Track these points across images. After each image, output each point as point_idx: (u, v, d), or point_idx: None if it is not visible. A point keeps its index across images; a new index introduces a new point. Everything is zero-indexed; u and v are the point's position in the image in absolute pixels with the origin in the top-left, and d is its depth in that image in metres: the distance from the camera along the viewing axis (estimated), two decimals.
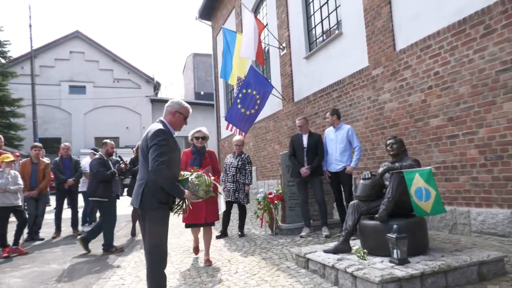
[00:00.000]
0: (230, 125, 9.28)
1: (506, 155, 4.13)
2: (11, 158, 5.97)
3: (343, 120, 7.06)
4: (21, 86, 21.88)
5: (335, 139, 5.41)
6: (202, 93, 31.97)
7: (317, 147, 5.47)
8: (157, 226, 2.74)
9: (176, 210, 2.92)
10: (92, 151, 7.90)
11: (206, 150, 4.63)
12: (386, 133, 6.00)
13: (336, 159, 5.33)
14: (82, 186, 7.63)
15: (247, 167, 5.91)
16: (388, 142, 3.97)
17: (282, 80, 9.90)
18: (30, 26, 21.47)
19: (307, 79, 8.66)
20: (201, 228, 4.57)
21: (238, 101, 8.60)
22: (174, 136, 3.02)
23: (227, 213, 5.90)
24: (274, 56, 10.43)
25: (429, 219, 5.06)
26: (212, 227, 4.76)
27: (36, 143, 7.25)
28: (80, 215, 7.61)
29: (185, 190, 2.86)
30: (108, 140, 6.25)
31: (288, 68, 9.52)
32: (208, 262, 4.35)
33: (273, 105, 10.05)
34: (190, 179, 3.00)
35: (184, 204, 2.89)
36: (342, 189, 5.38)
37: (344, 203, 5.35)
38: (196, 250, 4.81)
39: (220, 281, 3.66)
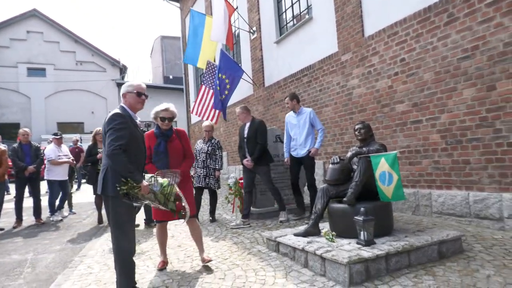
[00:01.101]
0: (199, 111, 9.17)
1: (465, 140, 4.35)
2: None
3: (314, 106, 7.15)
4: None
5: (297, 124, 5.42)
6: (171, 77, 31.21)
7: (257, 136, 5.28)
8: (120, 212, 2.70)
9: (131, 197, 2.68)
10: (54, 136, 7.54)
11: (173, 130, 3.71)
12: (355, 118, 6.13)
13: (300, 144, 5.35)
14: (48, 174, 7.27)
15: (217, 152, 5.87)
16: (356, 127, 4.05)
17: (252, 65, 9.83)
18: None
19: (277, 64, 8.64)
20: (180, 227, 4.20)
21: (218, 88, 8.47)
22: (137, 120, 2.97)
23: (197, 199, 5.85)
24: (245, 40, 10.30)
25: (395, 202, 5.26)
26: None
27: None
28: (45, 203, 7.31)
29: (143, 180, 2.73)
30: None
31: (258, 53, 9.44)
32: (205, 261, 3.59)
33: (243, 90, 9.98)
34: (151, 184, 2.81)
35: (137, 191, 2.68)
36: (306, 173, 5.38)
37: (305, 188, 5.45)
38: (162, 264, 3.69)
39: (191, 267, 3.66)
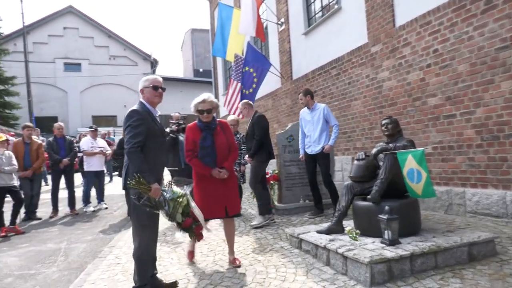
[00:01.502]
0: (228, 105, 9.26)
1: (503, 136, 4.13)
2: (3, 137, 5.99)
3: (342, 99, 7.04)
4: (14, 64, 21.71)
5: (311, 121, 5.35)
6: (201, 70, 31.70)
7: (254, 131, 5.15)
8: (139, 207, 2.77)
9: (141, 196, 2.68)
10: (89, 129, 7.95)
11: (217, 122, 3.48)
12: (385, 112, 5.98)
13: (314, 141, 5.28)
14: (85, 165, 7.66)
15: (242, 147, 5.92)
16: (383, 122, 3.96)
17: (280, 57, 9.79)
18: (22, 0, 21.02)
19: (305, 56, 8.55)
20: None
21: (242, 81, 8.53)
22: (157, 114, 3.01)
23: None
24: (273, 32, 10.26)
25: (425, 199, 5.12)
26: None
27: (28, 123, 7.25)
28: (80, 194, 7.73)
29: (156, 183, 2.70)
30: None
31: (286, 45, 9.38)
32: (235, 262, 3.52)
33: (271, 83, 9.97)
34: (164, 189, 2.78)
35: (146, 191, 2.66)
36: (321, 170, 5.30)
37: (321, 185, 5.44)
38: (191, 255, 3.76)
39: (214, 261, 3.75)
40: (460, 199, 4.68)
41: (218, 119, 3.54)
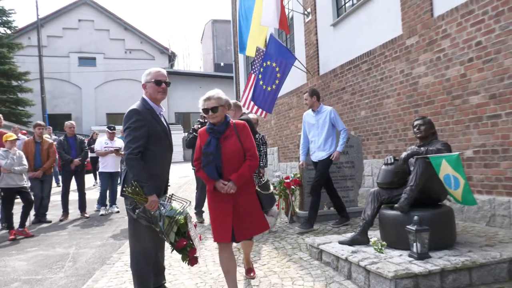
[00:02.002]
0: (248, 103, 9.32)
1: None
2: (14, 136, 6.31)
3: (373, 97, 6.98)
4: (28, 59, 22.69)
5: (316, 124, 5.30)
6: (222, 64, 32.01)
7: None
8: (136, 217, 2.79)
9: (136, 206, 2.70)
10: (107, 129, 8.17)
11: (229, 125, 2.98)
12: (420, 111, 5.89)
13: (319, 146, 5.24)
14: (102, 166, 7.94)
15: (261, 148, 5.97)
16: (415, 123, 3.92)
17: (306, 51, 9.79)
18: None
19: (334, 49, 8.52)
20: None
21: (260, 76, 8.58)
22: (162, 111, 2.99)
23: None
24: (298, 24, 10.27)
25: (464, 209, 5.01)
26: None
27: (39, 122, 7.60)
28: (98, 196, 8.06)
29: (154, 194, 2.69)
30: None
31: (313, 37, 9.37)
32: (249, 273, 3.52)
33: (296, 78, 9.99)
34: (163, 203, 2.78)
35: (142, 201, 2.67)
36: (315, 175, 5.31)
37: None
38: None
39: None
40: (504, 210, 4.55)
41: (234, 121, 3.08)
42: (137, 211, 2.71)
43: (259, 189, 3.24)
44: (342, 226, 5.27)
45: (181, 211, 2.87)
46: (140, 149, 2.71)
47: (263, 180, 6.03)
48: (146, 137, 2.75)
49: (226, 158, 2.88)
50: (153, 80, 2.87)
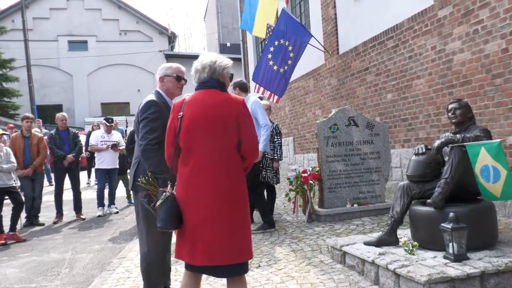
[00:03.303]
0: (258, 87, 9.31)
1: None
2: (1, 131, 6.42)
3: (402, 78, 6.92)
4: (12, 44, 22.96)
5: None
6: (228, 44, 31.89)
7: None
8: (149, 211, 2.90)
9: (151, 199, 2.75)
10: (105, 122, 8.24)
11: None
12: (455, 93, 5.82)
13: None
14: (99, 162, 8.05)
15: (275, 139, 5.99)
16: (450, 106, 3.88)
17: (323, 27, 9.71)
18: None
19: (355, 25, 8.43)
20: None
21: (269, 56, 8.54)
22: None
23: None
24: None
25: (508, 203, 4.96)
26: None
27: (27, 114, 7.72)
28: (94, 195, 8.21)
29: (168, 184, 2.63)
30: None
31: (331, 11, 9.28)
32: None
33: (313, 59, 9.93)
34: None
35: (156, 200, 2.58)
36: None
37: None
38: None
39: None
40: None
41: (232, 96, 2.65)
42: (152, 203, 2.70)
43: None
44: (261, 233, 5.40)
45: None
46: (157, 140, 2.87)
47: (279, 176, 6.10)
48: (162, 129, 2.87)
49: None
50: (174, 74, 3.18)
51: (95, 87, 27.02)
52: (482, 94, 5.37)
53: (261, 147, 5.20)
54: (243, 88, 5.66)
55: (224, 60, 2.61)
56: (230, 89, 5.34)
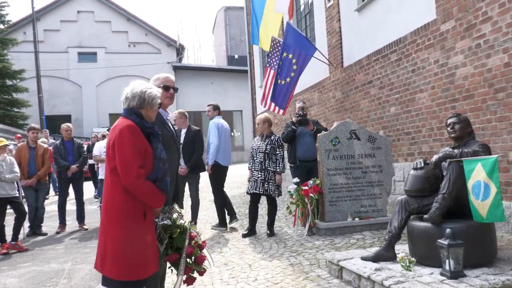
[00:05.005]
0: (265, 101, 9.37)
1: None
2: (5, 142, 6.49)
3: (404, 91, 6.92)
4: (23, 55, 23.24)
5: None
6: (236, 56, 32.11)
7: (194, 144, 6.61)
8: None
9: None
10: (107, 131, 8.34)
11: None
12: (458, 107, 5.78)
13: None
14: (103, 172, 8.08)
15: (277, 152, 5.99)
16: (449, 121, 3.87)
17: (328, 40, 9.74)
18: None
19: (359, 38, 8.45)
20: None
21: (278, 70, 8.60)
22: (168, 116, 3.26)
23: (254, 207, 6.09)
24: (319, 9, 10.24)
25: (511, 220, 4.89)
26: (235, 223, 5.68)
27: (33, 125, 7.80)
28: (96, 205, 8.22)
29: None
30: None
31: (336, 24, 9.32)
32: None
33: (318, 71, 9.95)
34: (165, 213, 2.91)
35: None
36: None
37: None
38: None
39: None
40: None
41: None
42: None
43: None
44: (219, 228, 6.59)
45: (181, 224, 2.94)
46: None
47: (281, 189, 6.10)
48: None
49: None
50: (161, 85, 3.20)
51: (103, 98, 27.20)
52: (484, 109, 5.33)
53: (209, 161, 6.67)
54: (216, 108, 7.13)
55: (153, 91, 2.75)
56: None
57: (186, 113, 6.87)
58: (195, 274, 3.01)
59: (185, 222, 3.00)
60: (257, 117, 6.11)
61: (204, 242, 3.10)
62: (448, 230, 3.15)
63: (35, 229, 7.51)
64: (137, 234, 2.61)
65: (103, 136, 11.64)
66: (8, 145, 7.11)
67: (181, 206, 6.08)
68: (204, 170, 6.82)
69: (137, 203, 2.61)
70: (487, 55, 5.28)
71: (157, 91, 2.80)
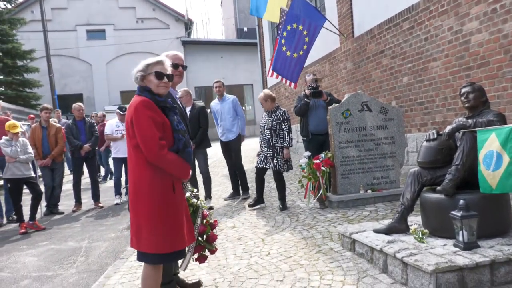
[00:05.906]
0: (272, 72, 9.25)
1: None
2: (19, 128, 6.53)
3: (417, 60, 6.78)
4: (32, 35, 23.24)
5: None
6: (245, 29, 31.70)
7: (199, 120, 6.66)
8: None
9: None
10: (118, 110, 8.32)
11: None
12: (473, 75, 5.65)
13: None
14: (115, 150, 8.17)
15: (283, 126, 5.95)
16: (463, 90, 3.77)
17: (338, 9, 9.51)
18: None
19: (370, 6, 8.23)
20: None
21: (283, 41, 8.44)
22: (178, 95, 3.28)
23: (259, 178, 6.19)
24: None
25: None
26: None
27: (46, 105, 7.85)
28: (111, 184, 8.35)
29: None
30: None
31: None
32: None
33: (327, 42, 9.77)
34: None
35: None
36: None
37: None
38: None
39: (248, 265, 3.89)
40: None
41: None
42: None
43: None
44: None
45: (194, 203, 3.03)
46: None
47: (291, 162, 6.08)
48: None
49: None
50: (170, 63, 3.13)
51: (114, 76, 27.20)
52: (500, 76, 5.19)
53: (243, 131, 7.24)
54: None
55: (147, 60, 2.84)
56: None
57: (190, 91, 7.02)
58: (207, 253, 3.05)
59: (198, 201, 3.04)
60: (258, 97, 6.09)
61: (215, 221, 3.13)
62: (461, 202, 3.11)
63: (52, 208, 7.67)
64: (169, 207, 2.68)
65: (104, 116, 11.86)
66: (23, 130, 7.17)
67: (195, 183, 6.19)
68: (209, 146, 6.97)
69: (164, 177, 2.67)
70: (503, 20, 5.11)
71: (153, 60, 2.83)
